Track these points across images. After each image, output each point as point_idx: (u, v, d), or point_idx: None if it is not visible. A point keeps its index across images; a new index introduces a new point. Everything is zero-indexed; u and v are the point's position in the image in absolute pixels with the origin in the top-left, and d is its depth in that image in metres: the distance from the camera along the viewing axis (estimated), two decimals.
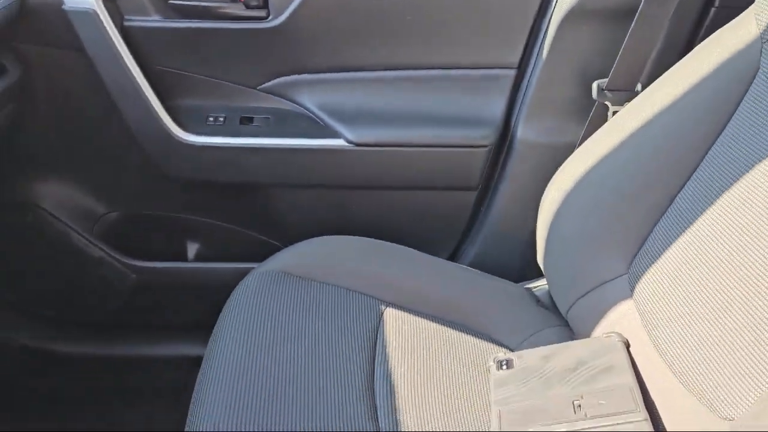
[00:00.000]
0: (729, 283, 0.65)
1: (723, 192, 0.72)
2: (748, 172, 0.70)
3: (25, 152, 1.11)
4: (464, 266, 1.09)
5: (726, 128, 0.75)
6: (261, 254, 1.00)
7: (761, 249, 0.63)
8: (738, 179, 0.70)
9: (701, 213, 0.73)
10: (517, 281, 1.05)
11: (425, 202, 1.15)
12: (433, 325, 0.91)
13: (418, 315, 0.91)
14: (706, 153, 0.76)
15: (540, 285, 1.04)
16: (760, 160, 0.68)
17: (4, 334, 1.19)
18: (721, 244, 0.68)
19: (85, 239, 1.18)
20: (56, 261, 1.21)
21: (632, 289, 0.79)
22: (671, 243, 0.76)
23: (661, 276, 0.75)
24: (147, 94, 1.03)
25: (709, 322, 0.65)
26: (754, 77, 0.72)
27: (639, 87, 0.96)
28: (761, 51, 0.72)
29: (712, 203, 0.73)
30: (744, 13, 0.76)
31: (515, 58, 1.05)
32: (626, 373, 0.74)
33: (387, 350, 0.86)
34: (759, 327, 0.60)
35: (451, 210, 1.16)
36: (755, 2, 0.74)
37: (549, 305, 0.98)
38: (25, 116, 1.06)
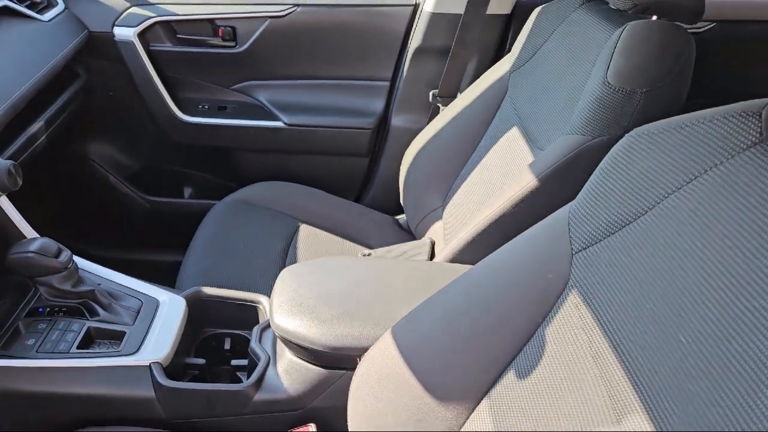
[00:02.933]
0: (493, 183, 1.15)
1: (492, 150, 1.22)
2: (501, 137, 1.21)
3: (85, 125, 1.65)
4: (358, 204, 1.60)
5: (491, 122, 1.31)
6: (227, 193, 1.50)
7: (506, 168, 1.14)
8: (496, 143, 1.21)
9: (479, 161, 1.24)
10: (394, 215, 1.58)
11: (334, 163, 1.70)
12: (329, 235, 1.42)
13: (322, 230, 1.42)
14: (485, 132, 1.29)
15: (402, 216, 1.56)
16: (504, 132, 1.20)
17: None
18: (491, 171, 1.19)
19: (118, 180, 1.74)
20: (98, 194, 1.75)
21: (443, 214, 1.32)
22: (464, 181, 1.27)
23: (456, 204, 1.26)
24: (162, 90, 1.59)
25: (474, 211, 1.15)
26: (503, 97, 1.28)
27: (459, 95, 1.52)
28: (508, 80, 1.25)
29: (485, 156, 1.23)
30: (505, 57, 1.30)
31: (389, 74, 1.62)
32: (425, 254, 1.30)
33: (297, 247, 1.35)
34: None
35: (352, 169, 1.72)
36: (508, 54, 1.30)
37: (406, 228, 1.52)
38: (87, 103, 1.60)
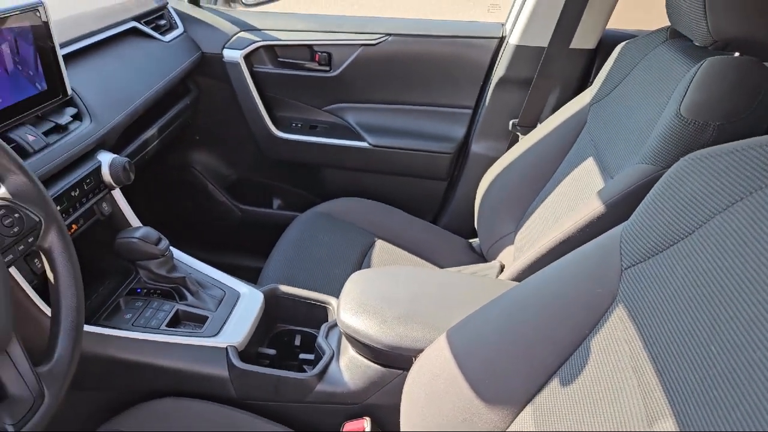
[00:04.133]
0: (559, 214, 1.18)
1: (567, 178, 1.24)
2: (577, 166, 1.24)
3: (191, 136, 1.83)
4: (434, 225, 1.65)
5: (568, 152, 1.34)
6: (311, 206, 1.60)
7: (578, 195, 1.17)
8: (571, 172, 1.24)
9: (554, 189, 1.27)
10: (468, 238, 1.63)
11: (414, 184, 1.77)
12: (403, 252, 1.48)
13: (396, 246, 1.49)
14: (562, 162, 1.33)
15: (475, 240, 1.59)
16: (580, 162, 1.23)
17: None
18: (564, 198, 1.22)
19: (215, 188, 1.90)
20: (197, 199, 1.91)
21: (514, 240, 1.37)
22: (537, 208, 1.31)
23: (527, 230, 1.30)
24: (261, 108, 1.73)
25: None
26: (582, 129, 1.31)
27: (539, 124, 1.55)
28: (588, 113, 1.28)
29: (560, 184, 1.26)
30: (586, 90, 1.33)
31: (472, 103, 1.69)
32: (492, 275, 1.34)
33: (371, 259, 1.43)
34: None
35: (430, 191, 1.78)
36: (589, 87, 1.32)
37: (478, 251, 1.57)
38: (195, 116, 1.77)
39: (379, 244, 1.48)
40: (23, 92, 0.99)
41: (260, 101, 1.73)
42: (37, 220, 0.75)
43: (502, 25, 1.64)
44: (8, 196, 0.73)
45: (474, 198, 1.53)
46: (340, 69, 1.69)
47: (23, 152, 0.95)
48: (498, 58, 1.61)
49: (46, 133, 1.02)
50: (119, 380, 0.99)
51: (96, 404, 1.02)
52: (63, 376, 0.72)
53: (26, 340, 0.70)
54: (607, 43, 1.51)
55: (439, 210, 1.82)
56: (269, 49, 1.71)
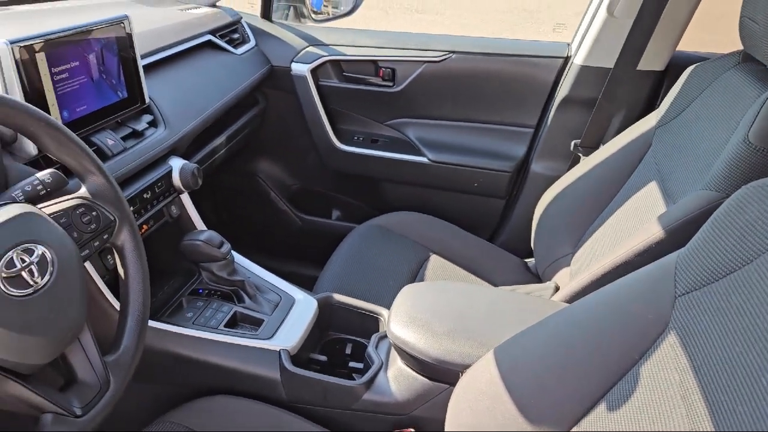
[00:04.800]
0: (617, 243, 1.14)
1: (628, 202, 1.22)
2: (639, 190, 1.21)
3: (257, 145, 1.90)
4: (490, 243, 1.63)
5: (631, 175, 1.31)
6: (369, 219, 1.61)
7: (639, 219, 1.14)
8: (633, 196, 1.21)
9: (614, 212, 1.25)
10: (524, 258, 1.61)
11: (472, 201, 1.77)
12: (457, 268, 1.48)
13: (451, 262, 1.49)
14: (624, 184, 1.30)
15: (531, 260, 1.58)
16: (642, 185, 1.20)
17: None
18: (624, 222, 1.19)
19: (278, 197, 1.96)
20: (259, 207, 1.97)
21: (571, 261, 1.34)
22: (596, 231, 1.29)
23: (585, 252, 1.28)
24: (325, 121, 1.78)
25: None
26: (646, 152, 1.28)
27: (601, 146, 1.53)
28: (653, 136, 1.25)
29: (621, 207, 1.24)
30: (652, 113, 1.31)
31: (533, 122, 1.68)
32: (547, 296, 1.32)
33: (425, 274, 1.42)
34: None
35: (488, 209, 1.78)
36: (656, 110, 1.30)
37: (534, 272, 1.55)
38: (261, 126, 1.84)
39: (434, 259, 1.49)
40: (106, 99, 1.06)
41: (324, 114, 1.78)
42: (112, 219, 0.80)
43: (568, 45, 1.63)
44: (88, 195, 0.79)
45: (532, 217, 1.51)
46: (404, 85, 1.72)
47: (103, 155, 1.01)
48: (562, 78, 1.60)
49: (124, 138, 1.09)
50: (176, 375, 1.03)
51: (153, 397, 1.07)
52: (128, 366, 0.77)
53: (95, 330, 0.75)
54: (676, 65, 1.48)
55: (496, 228, 1.81)
56: (335, 63, 1.76)
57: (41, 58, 0.92)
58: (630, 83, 1.47)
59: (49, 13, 1.41)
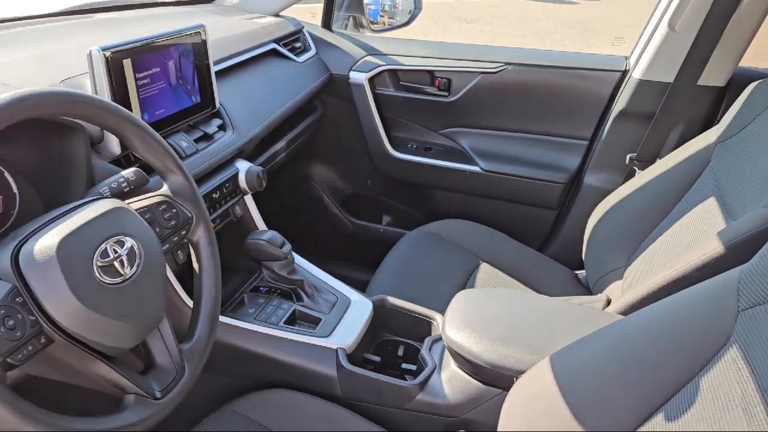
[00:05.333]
0: (673, 255, 1.15)
1: (685, 217, 1.22)
2: (697, 206, 1.21)
3: (313, 150, 1.95)
4: (540, 253, 1.64)
5: (688, 190, 1.30)
6: (419, 226, 1.64)
7: (696, 235, 1.14)
8: (690, 211, 1.21)
9: (670, 227, 1.25)
10: (574, 269, 1.61)
11: (523, 211, 1.78)
12: (506, 277, 1.48)
13: (501, 271, 1.49)
14: (680, 200, 1.30)
15: (582, 272, 1.56)
16: (700, 201, 1.20)
17: None
18: (681, 237, 1.19)
19: (331, 201, 2.01)
20: (313, 210, 2.03)
21: (624, 274, 1.34)
22: (651, 245, 1.28)
23: (638, 265, 1.28)
24: (380, 128, 1.82)
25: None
26: (705, 168, 1.27)
27: (658, 160, 1.51)
28: (713, 152, 1.25)
29: (677, 222, 1.23)
30: (712, 128, 1.30)
31: (588, 134, 1.68)
32: (598, 308, 1.32)
33: (475, 281, 1.43)
34: None
35: (539, 220, 1.79)
36: (716, 125, 1.29)
37: (585, 284, 1.54)
38: (318, 132, 1.90)
39: (484, 267, 1.51)
40: (181, 103, 1.12)
41: (380, 122, 1.82)
42: (190, 215, 0.85)
43: (626, 58, 1.63)
44: (169, 193, 0.85)
45: (583, 229, 1.51)
46: (459, 95, 1.75)
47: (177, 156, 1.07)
48: (619, 92, 1.60)
49: (196, 141, 1.15)
50: (238, 367, 1.08)
51: (216, 388, 1.12)
52: (201, 354, 0.82)
53: None
54: (738, 81, 1.46)
55: (547, 239, 1.82)
56: (392, 72, 1.80)
57: (127, 64, 0.98)
58: (690, 98, 1.46)
59: (126, 22, 1.49)
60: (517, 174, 1.74)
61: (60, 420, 0.62)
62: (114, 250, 0.70)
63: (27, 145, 0.88)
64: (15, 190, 0.90)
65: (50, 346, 0.65)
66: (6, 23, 1.31)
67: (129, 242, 0.72)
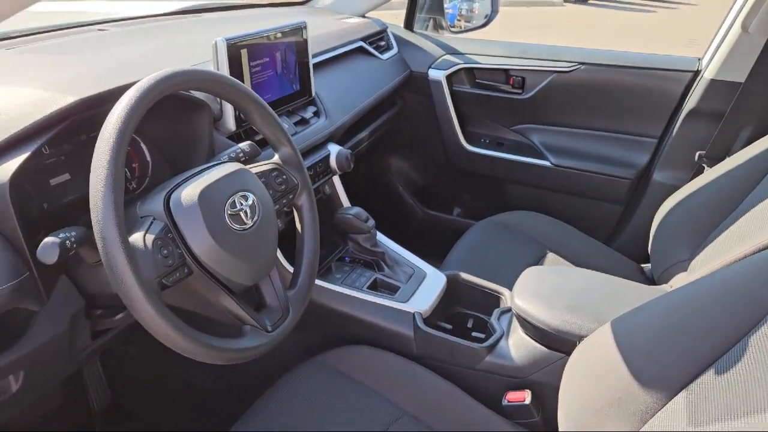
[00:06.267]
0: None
1: (752, 212, 1.24)
2: (761, 203, 1.23)
3: (391, 143, 2.08)
4: (606, 246, 1.68)
5: (756, 186, 1.36)
6: (488, 217, 1.72)
7: (762, 230, 1.15)
8: (757, 206, 1.24)
9: (736, 221, 1.28)
10: (640, 263, 1.66)
11: (590, 205, 1.85)
12: (572, 266, 1.59)
13: (568, 261, 1.56)
14: (747, 195, 1.34)
15: (647, 266, 1.61)
16: (764, 199, 1.23)
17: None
18: (747, 230, 1.21)
19: (405, 191, 2.13)
20: (387, 198, 2.16)
21: (688, 267, 1.39)
22: (717, 239, 1.32)
23: (703, 258, 1.31)
24: (455, 123, 1.94)
25: None
26: None
27: (727, 158, 1.55)
28: None
29: (743, 217, 1.27)
30: None
31: (658, 132, 1.74)
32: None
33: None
34: None
35: (606, 214, 1.85)
36: None
37: (650, 277, 1.61)
38: (397, 125, 2.03)
39: (551, 256, 1.58)
40: (284, 90, 1.27)
41: (455, 117, 1.93)
42: (296, 182, 0.99)
43: (699, 59, 1.68)
44: (280, 162, 0.99)
45: (650, 224, 1.56)
46: (532, 92, 1.84)
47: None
48: (691, 91, 1.65)
49: (295, 124, 1.30)
50: (326, 325, 1.22)
51: (305, 342, 1.26)
52: (303, 299, 0.95)
53: None
54: None
55: (613, 232, 1.87)
56: (469, 71, 1.91)
57: (244, 54, 1.14)
58: (761, 98, 1.50)
59: (231, 20, 1.67)
60: (586, 169, 1.81)
61: (201, 337, 0.76)
62: (240, 202, 0.84)
63: (160, 120, 1.05)
64: (149, 158, 1.07)
65: (190, 277, 0.80)
66: (133, 20, 1.51)
67: (251, 198, 0.86)
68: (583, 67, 1.76)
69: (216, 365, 1.32)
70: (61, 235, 0.73)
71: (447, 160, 2.01)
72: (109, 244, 0.69)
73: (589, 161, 1.81)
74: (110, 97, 0.78)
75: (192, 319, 0.80)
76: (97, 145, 0.72)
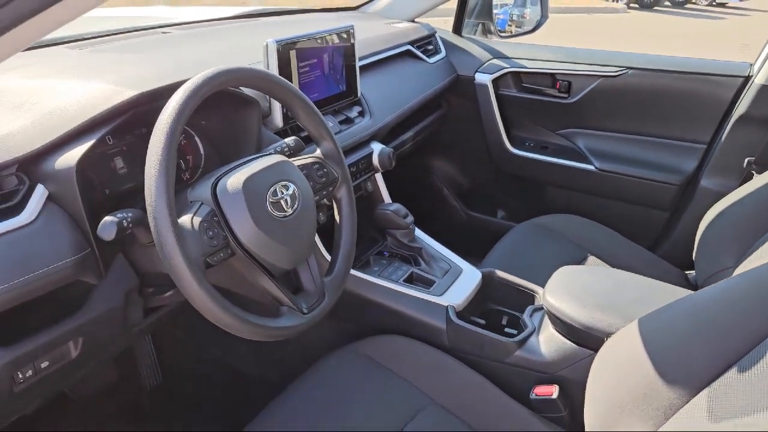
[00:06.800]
0: None
1: None
2: None
3: (436, 145, 2.13)
4: (650, 252, 1.66)
5: None
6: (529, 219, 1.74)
7: None
8: None
9: None
10: (684, 270, 1.64)
11: (634, 210, 1.84)
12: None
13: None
14: None
15: (692, 272, 1.60)
16: None
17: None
18: None
19: (449, 193, 2.17)
20: (431, 200, 2.20)
21: (733, 274, 1.38)
22: (763, 246, 1.30)
23: (747, 266, 1.28)
24: (500, 126, 1.96)
25: None
26: None
27: None
28: None
29: None
30: None
31: (707, 138, 1.71)
32: None
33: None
34: None
35: (650, 220, 1.83)
36: None
37: (693, 284, 1.59)
38: (442, 128, 2.07)
39: (591, 260, 1.58)
40: (330, 90, 1.34)
41: (500, 120, 1.95)
42: (336, 176, 1.05)
43: (750, 65, 1.65)
44: (321, 156, 1.05)
45: (696, 232, 1.54)
46: (578, 97, 1.85)
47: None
48: (741, 97, 1.63)
49: (340, 123, 1.36)
50: (361, 315, 1.27)
51: (341, 331, 1.31)
52: (338, 286, 1.01)
53: None
54: None
55: (657, 239, 1.85)
56: (515, 75, 1.93)
57: (293, 55, 1.21)
58: None
59: (286, 24, 1.75)
60: (631, 174, 1.80)
61: (241, 313, 0.83)
62: (281, 191, 0.90)
63: (213, 116, 1.13)
64: (202, 151, 1.15)
65: (232, 258, 0.87)
66: (194, 24, 1.61)
67: (292, 187, 0.92)
68: (630, 71, 1.76)
69: (258, 351, 1.40)
70: (119, 215, 0.81)
71: (491, 163, 2.03)
72: (160, 223, 0.76)
73: (635, 166, 1.80)
74: (167, 92, 0.86)
75: (234, 300, 0.87)
76: (152, 134, 0.80)
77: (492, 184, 2.12)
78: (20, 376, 0.83)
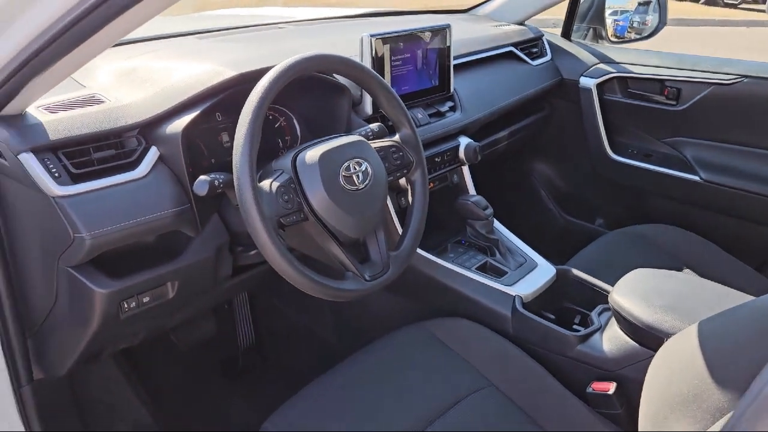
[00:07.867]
0: None
1: None
2: None
3: (536, 148, 2.14)
4: (758, 272, 1.54)
5: None
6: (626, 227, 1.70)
7: None
8: None
9: None
10: None
11: (739, 226, 1.74)
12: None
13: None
14: None
15: None
16: None
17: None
18: None
19: (547, 197, 2.17)
20: (528, 202, 2.19)
21: None
22: None
23: None
24: (602, 132, 1.93)
25: None
26: None
27: None
28: None
29: None
30: None
31: None
32: None
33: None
34: None
35: (760, 238, 1.72)
36: None
37: None
38: (542, 131, 2.08)
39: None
40: (422, 84, 1.42)
41: (603, 125, 1.92)
42: (412, 160, 1.13)
43: None
44: (399, 140, 1.13)
45: None
46: (688, 104, 1.78)
47: (414, 122, 1.36)
48: None
49: (430, 115, 1.44)
50: (431, 296, 1.33)
51: (409, 309, 1.38)
52: (403, 261, 1.08)
53: None
54: None
55: (767, 259, 1.73)
56: (622, 80, 1.89)
57: (386, 48, 1.30)
58: None
59: (394, 24, 1.85)
60: (741, 188, 1.70)
61: (308, 271, 0.93)
62: (354, 167, 1.00)
63: (309, 100, 1.25)
64: (299, 133, 1.27)
65: (305, 222, 0.97)
66: (309, 21, 1.76)
67: (365, 165, 1.01)
68: (746, 80, 1.67)
69: (339, 319, 1.50)
70: (212, 176, 0.95)
71: (592, 169, 2.00)
72: (242, 184, 0.88)
73: (746, 180, 1.70)
74: (263, 73, 0.98)
75: (310, 264, 0.97)
76: (243, 108, 0.92)
77: (591, 190, 2.08)
78: (125, 305, 0.99)
